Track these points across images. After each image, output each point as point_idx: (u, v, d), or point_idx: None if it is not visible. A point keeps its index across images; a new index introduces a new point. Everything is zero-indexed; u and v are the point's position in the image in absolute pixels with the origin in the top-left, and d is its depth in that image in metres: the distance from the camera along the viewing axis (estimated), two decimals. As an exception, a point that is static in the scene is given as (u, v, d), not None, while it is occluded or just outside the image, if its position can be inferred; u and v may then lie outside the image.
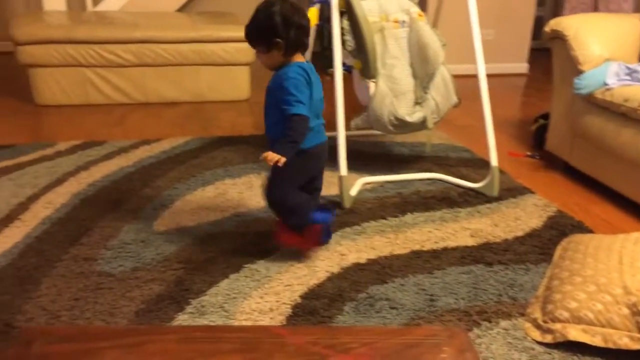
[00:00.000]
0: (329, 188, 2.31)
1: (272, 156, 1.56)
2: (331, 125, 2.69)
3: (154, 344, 0.59)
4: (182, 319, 1.49)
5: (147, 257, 1.77)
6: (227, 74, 3.50)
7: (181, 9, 4.17)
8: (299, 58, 1.66)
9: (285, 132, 1.59)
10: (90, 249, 1.80)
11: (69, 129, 2.93)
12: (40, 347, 0.59)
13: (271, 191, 1.76)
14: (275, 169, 1.64)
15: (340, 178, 2.15)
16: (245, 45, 3.44)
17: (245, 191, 2.27)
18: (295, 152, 1.61)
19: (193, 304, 1.55)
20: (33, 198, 2.12)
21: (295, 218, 1.74)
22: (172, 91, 3.44)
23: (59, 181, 2.28)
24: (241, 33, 3.41)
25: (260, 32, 1.62)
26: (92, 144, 2.68)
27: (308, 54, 2.51)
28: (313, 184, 1.79)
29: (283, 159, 1.56)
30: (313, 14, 2.13)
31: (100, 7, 3.86)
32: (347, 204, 2.15)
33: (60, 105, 3.27)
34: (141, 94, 3.40)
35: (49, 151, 2.58)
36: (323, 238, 1.79)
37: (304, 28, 1.62)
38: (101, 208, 2.07)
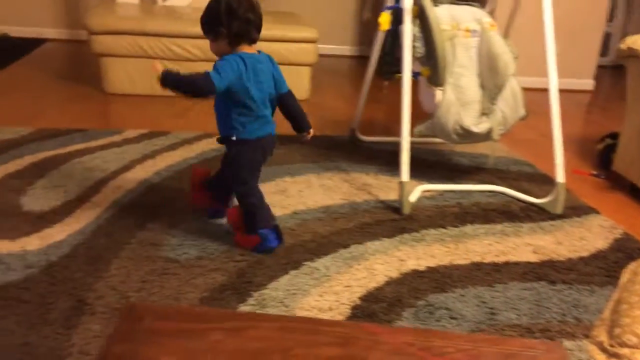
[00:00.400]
0: (387, 193, 2.32)
1: (157, 66, 1.62)
2: (390, 130, 2.68)
3: (255, 330, 0.61)
4: (244, 310, 1.52)
5: (210, 247, 1.81)
6: (288, 73, 3.48)
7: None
8: (245, 49, 1.72)
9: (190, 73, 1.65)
10: (156, 234, 1.85)
11: (135, 118, 3.02)
12: (150, 323, 0.61)
13: (235, 187, 1.82)
14: (230, 164, 1.77)
15: (401, 184, 2.15)
16: (310, 45, 3.48)
17: (305, 190, 2.29)
18: (243, 141, 1.73)
19: (254, 296, 1.58)
20: (103, 182, 2.20)
21: (249, 221, 1.79)
22: (233, 87, 3.50)
23: (127, 167, 2.35)
24: (305, 33, 3.46)
25: (207, 22, 1.71)
26: (158, 134, 2.76)
27: (373, 59, 2.52)
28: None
29: (159, 70, 1.60)
30: (385, 19, 2.13)
31: (170, 2, 3.96)
32: (406, 210, 2.14)
33: (128, 94, 3.37)
34: (204, 88, 3.47)
35: (117, 138, 2.66)
36: (269, 242, 1.80)
37: (249, 21, 1.67)
38: (166, 196, 2.13)
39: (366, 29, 5.02)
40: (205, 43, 3.39)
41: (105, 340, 0.57)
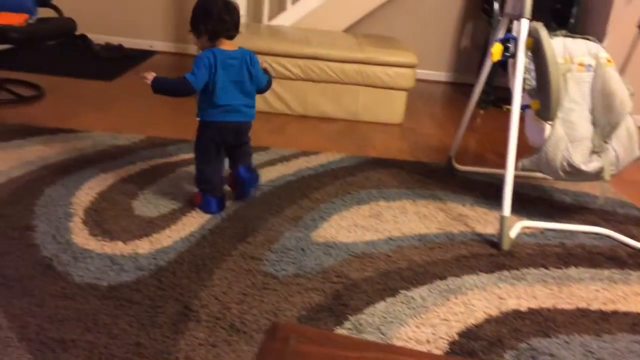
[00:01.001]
0: (484, 225, 2.26)
1: (146, 74, 2.02)
2: (484, 160, 2.61)
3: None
4: (341, 333, 1.52)
5: (307, 265, 1.83)
6: (384, 96, 3.56)
7: (348, 30, 4.32)
8: (224, 44, 2.02)
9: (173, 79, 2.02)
10: (256, 248, 1.90)
11: (235, 132, 3.13)
12: (295, 345, 0.63)
13: (194, 151, 2.16)
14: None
15: (502, 218, 2.09)
16: (408, 70, 3.48)
17: (400, 215, 2.28)
18: (202, 123, 2.09)
19: (351, 320, 1.58)
20: (206, 192, 2.29)
21: (196, 180, 2.15)
22: (329, 107, 3.56)
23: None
24: (404, 58, 3.46)
25: (191, 22, 2.01)
26: (258, 149, 2.84)
27: (477, 88, 2.48)
28: (232, 156, 2.16)
29: (150, 79, 2.01)
30: (497, 49, 2.10)
31: (275, 22, 4.10)
32: (505, 245, 2.08)
33: (229, 108, 3.50)
34: (301, 106, 3.56)
35: (219, 150, 2.77)
36: (209, 207, 2.10)
37: (224, 21, 1.97)
38: (265, 211, 2.19)
39: (463, 56, 4.96)
40: (305, 62, 3.49)
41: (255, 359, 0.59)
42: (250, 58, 2.06)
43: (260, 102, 3.51)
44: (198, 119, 2.08)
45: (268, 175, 2.53)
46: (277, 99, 3.53)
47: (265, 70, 2.14)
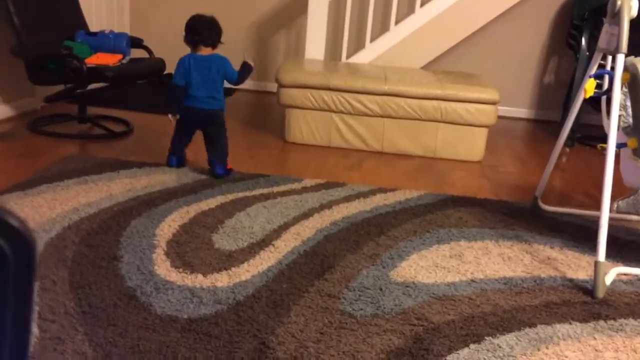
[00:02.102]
0: (575, 270, 2.12)
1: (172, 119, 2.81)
2: (572, 200, 2.42)
3: None
4: (423, 380, 1.44)
5: (386, 305, 1.77)
6: (464, 133, 3.47)
7: (427, 67, 4.29)
8: (201, 51, 2.73)
9: None
10: (333, 286, 1.87)
11: (313, 167, 3.15)
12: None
13: None
14: None
15: (597, 263, 1.95)
16: (489, 107, 3.39)
17: (482, 257, 2.18)
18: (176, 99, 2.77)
19: (433, 366, 1.50)
20: (284, 227, 2.29)
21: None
22: (407, 143, 3.52)
23: (306, 215, 2.43)
24: (486, 95, 3.38)
25: (184, 35, 2.74)
26: (334, 185, 2.84)
27: (567, 126, 2.36)
28: (207, 143, 2.83)
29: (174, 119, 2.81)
30: (591, 86, 1.99)
31: (353, 59, 4.14)
32: (600, 293, 1.93)
33: (307, 144, 3.54)
34: (378, 142, 3.54)
35: (296, 186, 2.79)
36: (170, 162, 2.87)
37: (200, 34, 2.70)
38: (342, 247, 2.15)
39: (546, 92, 4.79)
40: (383, 99, 3.48)
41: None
42: (220, 62, 2.73)
43: (338, 138, 3.53)
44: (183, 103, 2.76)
45: (345, 211, 2.51)
46: (355, 136, 3.53)
47: (247, 64, 2.75)
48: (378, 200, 2.68)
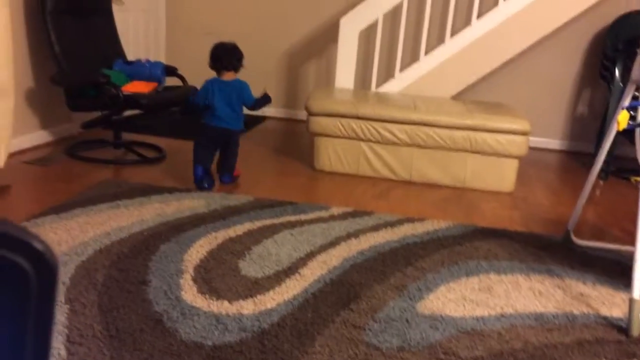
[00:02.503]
0: (609, 307, 2.06)
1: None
2: (606, 235, 2.35)
3: None
4: (449, 417, 1.41)
5: (413, 338, 1.75)
6: (494, 164, 3.44)
7: (457, 96, 4.28)
8: (224, 75, 2.99)
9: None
10: (359, 316, 1.85)
11: (341, 195, 3.15)
12: None
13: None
14: None
15: (632, 301, 1.89)
16: (520, 138, 3.36)
17: (513, 291, 2.13)
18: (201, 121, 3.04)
19: (460, 403, 1.46)
20: (310, 255, 2.29)
21: (193, 158, 3.02)
22: (435, 173, 3.50)
23: (332, 243, 2.43)
24: (516, 125, 3.35)
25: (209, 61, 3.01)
26: (361, 213, 2.83)
27: (600, 158, 2.32)
28: (224, 153, 3.11)
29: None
30: (624, 118, 1.96)
31: (383, 88, 4.17)
32: (635, 331, 1.86)
33: (335, 173, 3.55)
34: (406, 172, 3.53)
35: (324, 213, 2.79)
36: (198, 181, 3.00)
37: (221, 60, 2.95)
38: (369, 277, 2.14)
39: (578, 124, 4.73)
40: (412, 128, 3.48)
41: None
42: (240, 87, 2.98)
43: (366, 166, 3.53)
44: (202, 121, 3.01)
45: (372, 240, 2.50)
46: (382, 164, 3.53)
47: (266, 95, 3.04)
48: (406, 230, 2.66)
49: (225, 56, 2.95)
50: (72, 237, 2.28)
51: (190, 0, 5.08)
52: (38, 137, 3.56)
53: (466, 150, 3.44)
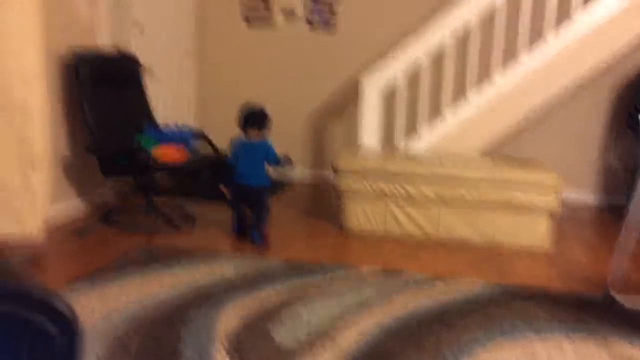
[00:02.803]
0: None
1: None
2: None
3: None
4: None
5: (453, 409, 1.68)
6: (526, 219, 3.38)
7: (484, 152, 4.27)
8: (251, 134, 3.19)
9: None
10: (396, 385, 1.79)
11: (370, 255, 3.12)
12: None
13: None
14: None
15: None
16: (550, 192, 3.30)
17: (557, 355, 2.05)
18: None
19: None
20: (342, 318, 2.25)
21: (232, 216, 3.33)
22: (465, 230, 3.45)
23: (364, 305, 2.39)
24: (547, 180, 3.31)
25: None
26: (392, 273, 2.79)
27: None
28: (254, 209, 3.26)
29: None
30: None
31: (409, 145, 4.18)
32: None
33: (363, 232, 3.54)
34: (435, 229, 3.49)
35: (354, 274, 2.76)
36: (237, 233, 3.30)
37: (247, 121, 3.19)
38: (402, 341, 2.08)
39: (612, 176, 4.65)
40: (439, 185, 3.46)
41: None
42: (264, 147, 3.20)
43: (394, 225, 3.51)
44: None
45: (403, 301, 2.45)
46: (410, 222, 3.50)
47: (289, 159, 3.28)
48: (438, 290, 2.61)
49: (251, 117, 3.18)
50: (105, 305, 2.28)
51: (219, 67, 5.25)
52: (74, 204, 3.64)
53: (495, 207, 3.40)
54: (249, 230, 3.24)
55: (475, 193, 3.39)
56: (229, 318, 2.22)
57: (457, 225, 3.46)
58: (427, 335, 2.15)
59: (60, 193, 3.52)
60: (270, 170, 3.33)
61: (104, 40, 3.85)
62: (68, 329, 0.24)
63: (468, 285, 2.70)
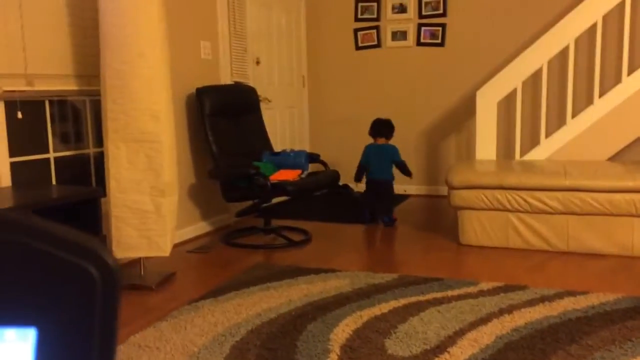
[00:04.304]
0: None
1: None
2: None
3: None
4: None
5: None
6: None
7: (613, 158, 3.96)
8: (378, 141, 4.06)
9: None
10: (517, 400, 1.69)
11: (489, 270, 2.99)
12: None
13: None
14: None
15: None
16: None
17: None
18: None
19: None
20: (459, 333, 2.17)
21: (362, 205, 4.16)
22: (597, 242, 3.20)
23: (483, 320, 2.29)
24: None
25: None
26: (514, 288, 2.65)
27: None
28: (379, 200, 4.06)
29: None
30: None
31: (528, 156, 4.00)
32: None
33: (482, 246, 3.40)
34: (562, 241, 3.27)
35: (472, 289, 2.66)
36: (367, 221, 4.07)
37: (377, 130, 4.06)
38: (526, 357, 1.96)
39: None
40: (565, 195, 3.25)
41: None
42: (391, 150, 4.02)
43: (516, 238, 3.34)
44: (367, 177, 4.03)
45: (527, 316, 2.31)
46: (534, 235, 3.31)
47: (409, 171, 4.05)
48: (566, 305, 2.43)
49: (380, 127, 4.04)
50: (227, 318, 2.41)
51: (330, 93, 5.41)
52: (198, 228, 3.90)
53: (631, 215, 3.11)
54: (379, 216, 4.02)
55: (607, 202, 3.14)
56: (343, 330, 2.24)
57: (587, 236, 3.21)
58: (553, 349, 2.01)
59: (187, 217, 3.79)
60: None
61: (225, 74, 4.13)
62: (110, 277, 0.27)
63: (601, 298, 2.48)
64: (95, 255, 0.30)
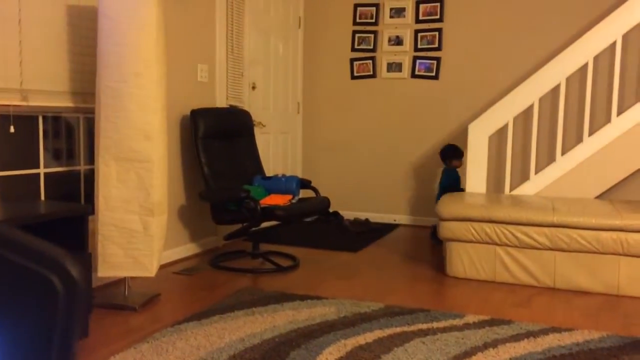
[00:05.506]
0: None
1: None
2: None
3: None
4: None
5: None
6: (654, 267, 3.07)
7: (601, 197, 4.00)
8: (450, 164, 4.52)
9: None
10: None
11: (476, 303, 2.99)
12: None
13: None
14: None
15: None
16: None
17: (688, 415, 1.80)
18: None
19: None
20: (443, 366, 2.16)
21: None
22: (583, 279, 3.20)
23: (467, 354, 2.28)
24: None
25: None
26: (499, 322, 2.64)
27: None
28: None
29: None
30: None
31: (518, 191, 4.02)
32: None
33: (469, 279, 3.40)
34: (549, 277, 3.27)
35: (458, 321, 2.65)
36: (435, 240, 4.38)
37: (447, 155, 4.54)
38: (509, 393, 1.95)
39: None
40: (552, 231, 3.27)
41: None
42: (456, 174, 4.48)
43: (504, 272, 3.35)
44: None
45: (512, 351, 2.30)
46: (521, 270, 3.32)
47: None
48: (551, 341, 2.42)
49: (451, 153, 4.52)
50: (210, 342, 2.38)
51: (324, 120, 5.45)
52: (186, 249, 3.88)
53: (617, 254, 3.13)
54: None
55: (594, 239, 3.16)
56: (327, 358, 2.21)
57: (574, 273, 3.22)
58: (535, 386, 2.00)
59: (176, 238, 3.78)
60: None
61: (221, 97, 4.16)
62: (73, 289, 0.28)
63: (586, 336, 2.48)
64: (60, 266, 0.30)
